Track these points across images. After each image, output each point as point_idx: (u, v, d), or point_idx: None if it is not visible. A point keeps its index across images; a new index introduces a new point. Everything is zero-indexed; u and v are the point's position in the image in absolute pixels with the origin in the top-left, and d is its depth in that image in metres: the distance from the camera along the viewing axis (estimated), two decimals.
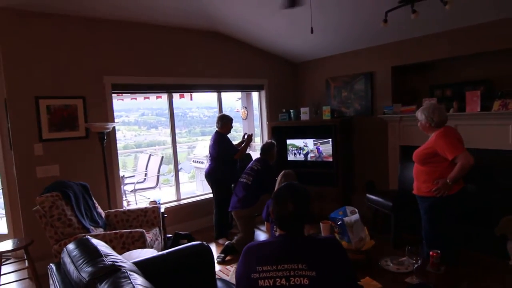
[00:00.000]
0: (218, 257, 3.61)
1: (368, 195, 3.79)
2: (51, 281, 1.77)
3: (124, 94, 5.67)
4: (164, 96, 4.62)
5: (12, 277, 3.38)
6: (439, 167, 2.64)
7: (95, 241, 1.88)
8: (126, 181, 6.37)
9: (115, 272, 1.47)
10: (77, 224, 2.93)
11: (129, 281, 1.35)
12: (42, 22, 3.47)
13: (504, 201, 3.34)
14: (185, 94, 5.49)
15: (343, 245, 2.30)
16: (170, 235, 3.91)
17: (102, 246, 1.83)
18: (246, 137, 4.29)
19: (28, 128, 3.42)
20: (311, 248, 1.46)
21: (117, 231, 2.89)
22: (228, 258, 3.66)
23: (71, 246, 1.85)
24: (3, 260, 3.40)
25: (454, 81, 3.94)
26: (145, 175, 6.57)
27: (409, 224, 3.56)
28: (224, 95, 4.98)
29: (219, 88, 4.88)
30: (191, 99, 6.08)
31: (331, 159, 4.56)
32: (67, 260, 1.73)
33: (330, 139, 4.53)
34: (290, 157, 4.98)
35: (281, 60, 5.42)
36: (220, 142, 4.05)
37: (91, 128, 3.64)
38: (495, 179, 3.43)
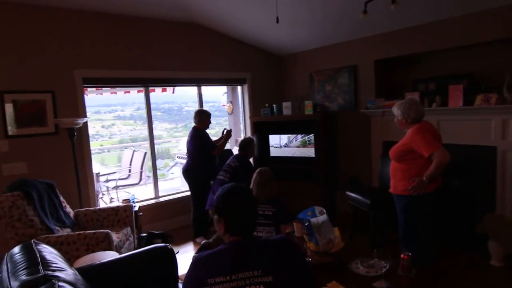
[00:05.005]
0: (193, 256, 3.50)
1: (347, 193, 3.69)
2: None
3: (103, 88, 5.51)
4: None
5: None
6: (415, 165, 2.54)
7: (41, 246, 1.76)
8: (110, 177, 6.24)
9: (45, 283, 1.35)
10: (39, 225, 2.80)
11: None
12: (7, 12, 3.30)
13: (487, 198, 3.26)
14: (167, 88, 5.35)
15: (310, 247, 2.21)
16: (144, 235, 3.80)
17: (47, 252, 1.71)
18: (225, 132, 4.16)
19: None
20: (265, 252, 1.37)
21: (81, 232, 2.77)
22: None
23: (15, 250, 1.73)
24: None
25: (438, 75, 3.82)
26: (129, 171, 6.43)
27: (393, 223, 3.48)
28: (211, 89, 4.82)
29: (199, 82, 4.73)
30: (173, 92, 5.92)
31: (313, 155, 4.45)
32: (4, 267, 1.61)
33: (312, 135, 4.42)
34: (272, 153, 4.87)
35: (264, 53, 5.27)
36: (198, 137, 3.92)
37: (60, 124, 3.49)
38: (477, 175, 3.34)
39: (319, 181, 4.38)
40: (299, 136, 4.62)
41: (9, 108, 3.34)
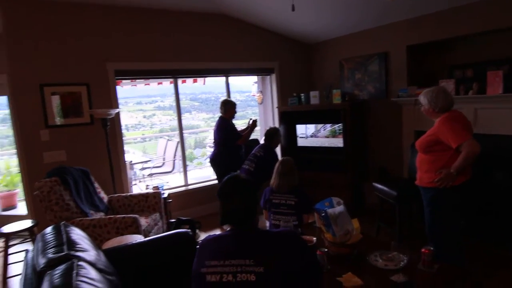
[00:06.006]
0: None
1: (374, 184, 3.59)
2: (23, 265, 1.82)
3: (137, 80, 5.72)
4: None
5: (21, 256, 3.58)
6: (442, 156, 2.41)
7: (69, 228, 1.90)
8: (145, 165, 6.53)
9: (66, 261, 1.47)
10: (75, 209, 3.01)
11: (73, 272, 1.33)
12: (46, 10, 3.52)
13: None
14: (197, 79, 5.46)
15: (328, 237, 2.19)
16: (173, 220, 3.95)
17: (74, 233, 1.85)
18: (250, 122, 4.19)
19: (35, 114, 3.53)
20: (261, 243, 1.40)
21: (111, 216, 2.94)
22: None
23: (47, 231, 1.88)
24: (21, 239, 3.62)
25: (476, 61, 3.57)
26: (163, 159, 6.69)
27: (422, 216, 3.36)
28: (244, 78, 4.85)
29: (227, 73, 4.78)
30: (204, 83, 6.02)
31: (341, 145, 4.36)
32: (36, 245, 1.76)
33: (341, 124, 4.32)
34: (300, 143, 4.83)
35: (292, 42, 5.20)
36: (224, 127, 3.99)
37: (94, 115, 3.70)
38: None
39: (347, 172, 4.29)
40: (328, 125, 4.53)
41: (51, 100, 3.59)
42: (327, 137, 4.57)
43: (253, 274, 1.29)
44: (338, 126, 4.42)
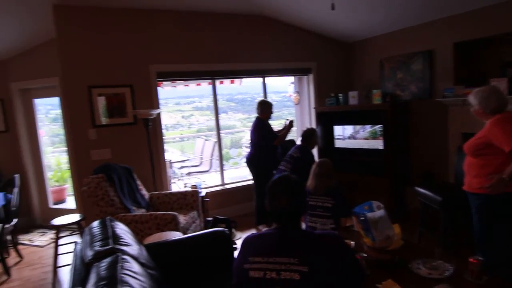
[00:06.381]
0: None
1: (417, 188, 3.42)
2: (73, 256, 1.93)
3: (177, 82, 5.90)
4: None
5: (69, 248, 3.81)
6: (494, 160, 2.26)
7: (114, 223, 1.99)
8: (183, 164, 6.72)
9: (112, 254, 1.54)
10: (119, 204, 3.16)
11: (117, 265, 1.39)
12: (93, 16, 3.73)
13: None
14: (234, 80, 5.53)
15: (366, 242, 2.13)
16: (210, 219, 4.02)
17: (118, 228, 1.94)
18: (287, 123, 4.17)
19: (83, 115, 3.75)
20: (306, 243, 1.41)
21: (152, 213, 3.06)
22: None
23: (94, 224, 1.99)
24: (69, 231, 3.86)
25: None
26: (201, 159, 6.84)
27: (469, 224, 3.16)
28: (280, 79, 4.84)
29: (264, 73, 4.79)
30: (240, 84, 6.08)
31: (382, 147, 4.22)
32: (85, 238, 1.87)
33: (381, 125, 4.18)
34: (337, 144, 4.73)
35: (330, 41, 5.11)
36: (260, 128, 4.00)
37: (137, 115, 3.86)
38: None
39: (387, 175, 4.14)
40: (368, 127, 4.39)
41: (99, 101, 3.80)
42: (366, 138, 4.44)
43: (297, 273, 1.30)
44: (378, 128, 4.28)
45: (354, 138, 4.57)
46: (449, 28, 3.80)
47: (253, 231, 4.08)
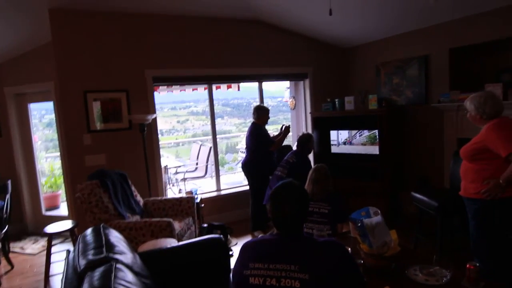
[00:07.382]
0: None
1: (413, 193, 3.42)
2: (64, 265, 1.89)
3: (173, 86, 5.87)
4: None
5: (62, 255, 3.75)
6: (490, 165, 2.26)
7: (108, 230, 1.95)
8: (179, 170, 6.67)
9: (106, 263, 1.51)
10: (113, 211, 3.11)
11: (111, 275, 1.36)
12: (88, 20, 3.71)
13: None
14: (232, 84, 5.51)
15: (363, 248, 2.11)
16: (205, 225, 3.99)
17: (112, 235, 1.90)
18: (283, 128, 4.16)
19: (78, 120, 3.72)
20: (307, 250, 1.39)
21: (147, 219, 3.01)
22: None
23: (87, 232, 1.95)
24: (62, 239, 3.79)
25: None
26: (196, 164, 6.80)
27: (465, 229, 3.16)
28: (276, 84, 4.86)
29: (260, 78, 4.79)
30: (238, 89, 6.07)
31: (377, 152, 4.22)
32: (77, 246, 1.83)
33: (377, 131, 4.18)
34: (334, 150, 4.73)
35: (326, 46, 5.12)
36: (256, 133, 3.99)
37: (132, 120, 3.83)
38: None
39: (383, 181, 4.14)
40: (365, 131, 4.39)
41: (94, 106, 3.76)
42: (363, 144, 4.44)
43: (298, 280, 1.28)
44: (374, 133, 4.28)
45: (350, 143, 4.57)
46: (445, 34, 3.83)
47: (249, 238, 4.05)
